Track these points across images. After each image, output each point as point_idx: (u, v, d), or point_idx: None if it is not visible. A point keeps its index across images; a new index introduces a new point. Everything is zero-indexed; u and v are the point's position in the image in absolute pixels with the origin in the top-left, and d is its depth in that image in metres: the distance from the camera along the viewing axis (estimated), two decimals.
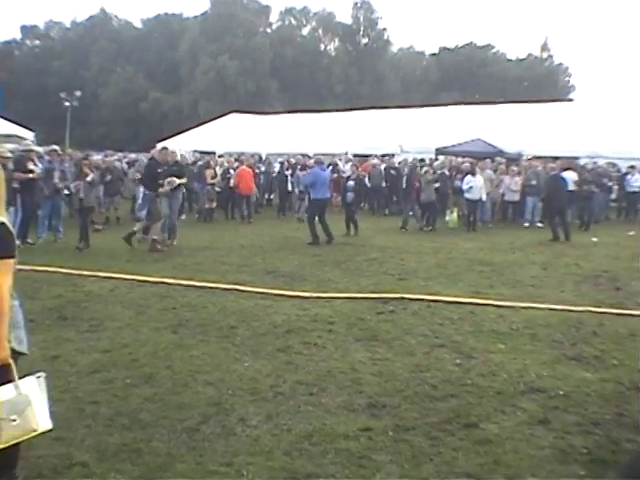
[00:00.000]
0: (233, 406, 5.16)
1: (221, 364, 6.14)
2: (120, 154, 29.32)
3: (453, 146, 23.82)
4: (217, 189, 20.00)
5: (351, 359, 6.33)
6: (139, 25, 78.89)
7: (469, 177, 17.89)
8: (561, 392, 5.50)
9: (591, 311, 8.35)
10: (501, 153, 23.00)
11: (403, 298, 8.90)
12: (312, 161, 18.37)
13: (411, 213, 18.46)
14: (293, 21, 77.91)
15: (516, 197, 19.32)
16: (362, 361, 6.27)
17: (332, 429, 4.76)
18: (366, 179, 22.39)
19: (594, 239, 15.90)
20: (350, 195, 16.62)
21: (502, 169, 20.58)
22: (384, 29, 76.35)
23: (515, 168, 19.85)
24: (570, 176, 18.32)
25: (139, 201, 15.03)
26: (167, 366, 6.05)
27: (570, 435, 4.70)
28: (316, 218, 14.88)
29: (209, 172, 20.05)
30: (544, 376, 5.88)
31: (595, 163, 22.87)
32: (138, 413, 5.00)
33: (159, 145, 21.45)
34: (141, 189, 15.11)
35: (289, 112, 43.19)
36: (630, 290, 9.91)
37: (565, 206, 16.48)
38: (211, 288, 9.52)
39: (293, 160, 23.10)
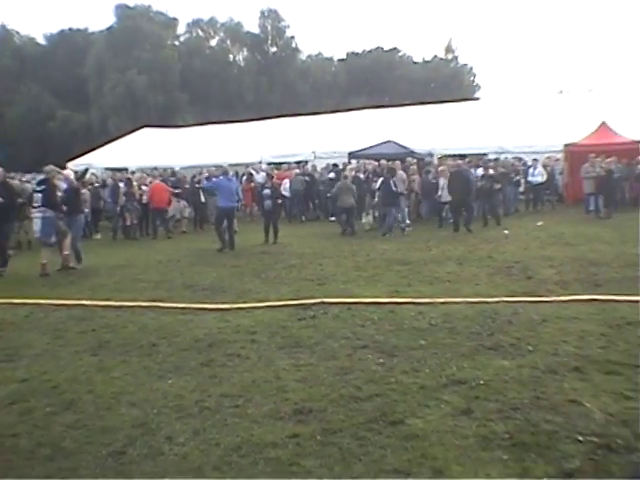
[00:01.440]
0: (159, 425, 5.09)
1: (144, 383, 6.04)
2: (29, 175, 28.29)
3: (365, 149, 24.11)
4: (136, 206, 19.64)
5: (275, 367, 6.33)
6: (42, 41, 76.53)
7: (382, 179, 18.11)
8: (481, 382, 5.66)
9: (505, 301, 8.63)
10: (412, 154, 23.44)
11: (323, 302, 8.96)
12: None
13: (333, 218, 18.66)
14: (201, 33, 77.11)
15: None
16: (286, 368, 6.29)
17: (260, 439, 4.76)
18: (283, 186, 22.40)
19: (505, 232, 16.40)
20: (268, 203, 16.65)
21: (413, 169, 20.99)
22: (292, 37, 76.69)
23: (442, 167, 20.18)
24: (479, 172, 18.96)
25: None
26: (89, 390, 5.91)
27: (492, 422, 4.85)
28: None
29: (135, 189, 19.73)
30: (464, 367, 6.04)
31: (506, 159, 23.72)
32: (61, 442, 4.87)
33: (69, 164, 20.91)
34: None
35: (201, 124, 42.74)
36: (541, 278, 10.28)
37: (469, 200, 17.16)
38: (130, 307, 9.34)
39: (206, 173, 22.93)
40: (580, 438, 4.53)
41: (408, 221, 18.52)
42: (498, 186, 19.17)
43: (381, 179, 18.31)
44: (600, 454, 4.31)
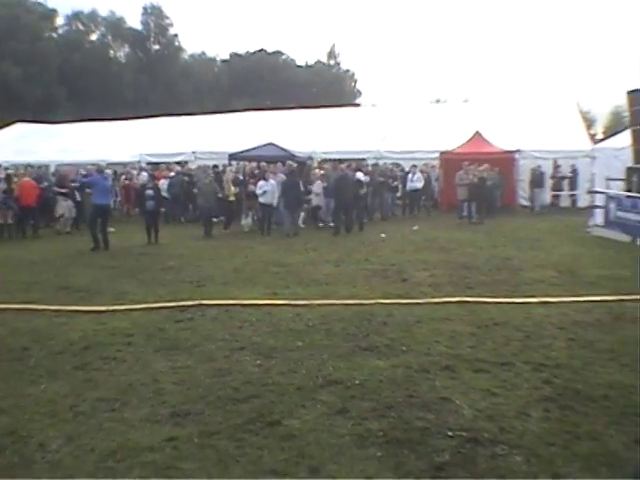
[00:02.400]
0: (31, 432, 4.88)
1: (15, 389, 5.78)
2: None
3: (246, 151, 24.04)
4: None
5: (152, 370, 6.22)
6: None
7: (262, 182, 18.14)
8: (357, 381, 5.78)
9: (381, 303, 8.85)
10: (292, 157, 23.58)
11: (201, 305, 8.87)
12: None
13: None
14: (81, 26, 74.30)
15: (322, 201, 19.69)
16: (163, 371, 6.18)
17: (136, 443, 4.66)
18: (160, 187, 21.93)
19: (382, 235, 16.79)
20: (150, 204, 16.33)
21: (296, 172, 21.09)
22: (175, 35, 75.60)
23: (317, 171, 20.33)
24: (359, 176, 19.36)
25: None
26: None
27: (367, 421, 4.96)
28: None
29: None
30: (341, 368, 6.14)
31: (384, 164, 24.34)
32: None
33: None
34: None
35: (79, 121, 41.16)
36: (415, 280, 10.62)
37: (351, 204, 17.55)
38: (0, 310, 8.89)
39: (83, 171, 22.09)
40: (450, 433, 4.72)
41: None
42: (363, 191, 19.58)
43: (282, 179, 18.42)
44: (468, 447, 4.51)
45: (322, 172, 20.39)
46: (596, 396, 5.41)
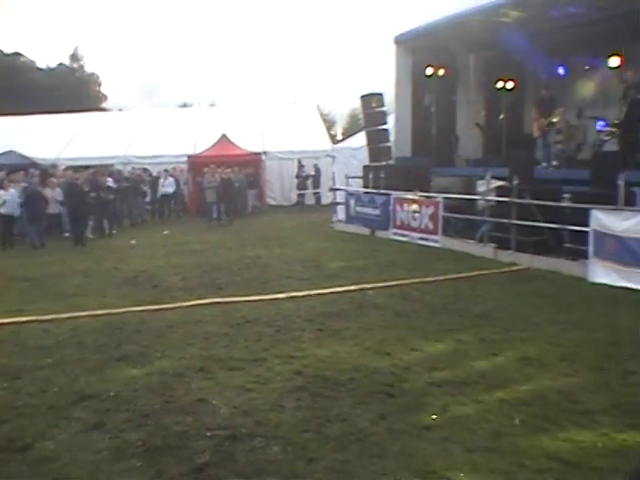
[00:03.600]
0: None
1: None
2: None
3: None
4: None
5: None
6: None
7: (1, 192, 16.90)
8: (112, 393, 5.64)
9: (133, 311, 8.71)
10: (35, 165, 22.27)
11: None
12: None
13: None
14: None
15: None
16: None
17: None
18: None
19: (132, 241, 16.49)
20: None
21: (36, 181, 19.89)
22: None
23: (54, 180, 19.29)
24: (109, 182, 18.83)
25: None
26: None
27: (124, 432, 4.87)
28: None
29: None
30: (94, 382, 5.96)
31: (133, 169, 23.85)
32: None
33: None
34: None
35: None
36: (167, 285, 10.59)
37: (84, 212, 16.97)
38: None
39: None
40: (209, 433, 4.79)
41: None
42: (111, 197, 19.13)
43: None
44: (227, 445, 4.61)
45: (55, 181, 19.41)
46: (343, 380, 5.80)
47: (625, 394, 5.37)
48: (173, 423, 5.00)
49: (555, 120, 15.31)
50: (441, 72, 18.04)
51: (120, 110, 42.47)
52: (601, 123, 15.20)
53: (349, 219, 18.04)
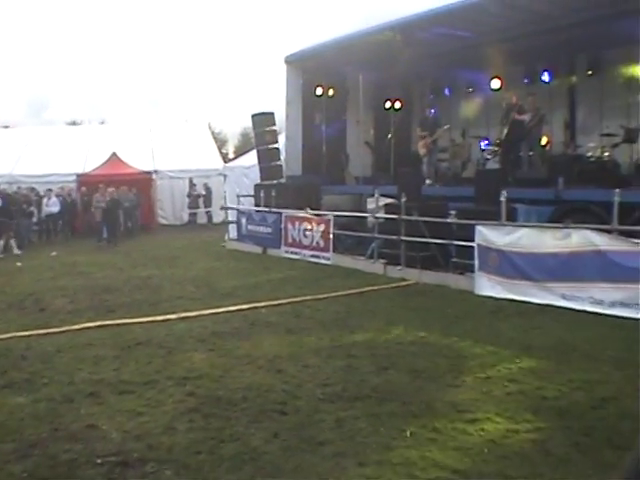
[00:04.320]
0: None
1: None
2: None
3: None
4: None
5: None
6: None
7: None
8: None
9: (18, 336, 8.39)
10: None
11: None
12: None
13: None
14: None
15: None
16: None
17: None
18: None
19: (18, 264, 15.90)
20: None
21: None
22: None
23: None
24: None
25: None
26: None
27: (9, 464, 4.69)
28: None
29: None
30: None
31: (19, 189, 23.04)
32: None
33: None
34: None
35: None
36: (54, 309, 10.28)
37: None
38: None
39: None
40: (99, 460, 4.68)
41: None
42: None
43: None
44: (118, 471, 4.52)
45: None
46: (236, 399, 5.82)
47: (508, 401, 5.67)
48: (61, 451, 4.86)
49: (438, 138, 15.98)
50: (331, 92, 18.46)
51: (6, 127, 40.67)
52: (485, 142, 16.01)
53: (241, 238, 18.08)
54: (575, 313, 9.16)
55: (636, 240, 9.02)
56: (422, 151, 16.16)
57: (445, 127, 16.22)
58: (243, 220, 17.93)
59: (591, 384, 6.11)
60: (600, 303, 9.15)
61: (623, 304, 8.90)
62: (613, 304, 9.01)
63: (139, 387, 6.23)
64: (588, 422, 5.16)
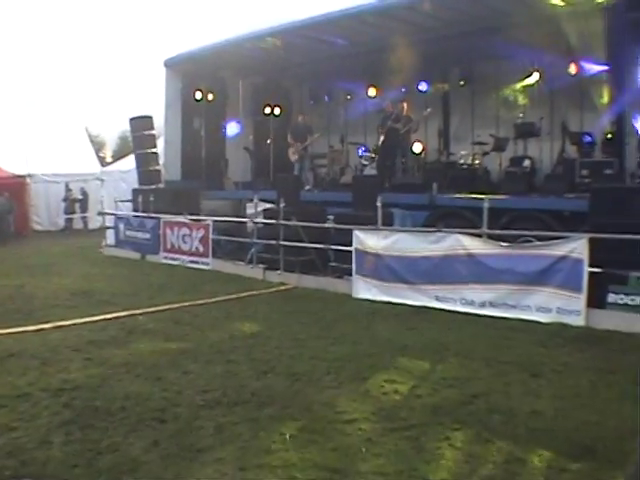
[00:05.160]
0: None
1: None
2: None
3: None
4: None
5: None
6: None
7: None
8: None
9: None
10: None
11: None
12: None
13: None
14: None
15: None
16: None
17: None
18: None
19: None
20: None
21: None
22: None
23: None
24: None
25: None
26: None
27: None
28: None
29: None
30: None
31: None
32: None
33: None
34: None
35: None
36: None
37: None
38: None
39: None
40: None
41: None
42: None
43: None
44: None
45: None
46: (114, 409, 5.69)
47: (385, 401, 5.87)
48: None
49: (309, 145, 16.34)
50: (210, 96, 18.38)
51: None
52: (362, 149, 16.44)
53: (119, 243, 17.66)
54: (448, 314, 9.58)
55: (504, 243, 9.57)
56: (293, 158, 16.46)
57: (316, 135, 16.57)
58: (121, 225, 17.51)
59: (462, 381, 6.43)
60: (471, 304, 9.63)
61: (492, 304, 9.42)
62: (483, 304, 9.51)
63: (12, 401, 5.96)
64: (459, 417, 5.43)
